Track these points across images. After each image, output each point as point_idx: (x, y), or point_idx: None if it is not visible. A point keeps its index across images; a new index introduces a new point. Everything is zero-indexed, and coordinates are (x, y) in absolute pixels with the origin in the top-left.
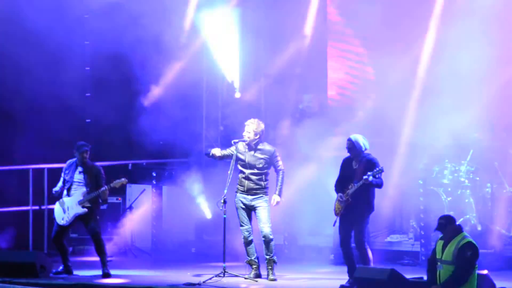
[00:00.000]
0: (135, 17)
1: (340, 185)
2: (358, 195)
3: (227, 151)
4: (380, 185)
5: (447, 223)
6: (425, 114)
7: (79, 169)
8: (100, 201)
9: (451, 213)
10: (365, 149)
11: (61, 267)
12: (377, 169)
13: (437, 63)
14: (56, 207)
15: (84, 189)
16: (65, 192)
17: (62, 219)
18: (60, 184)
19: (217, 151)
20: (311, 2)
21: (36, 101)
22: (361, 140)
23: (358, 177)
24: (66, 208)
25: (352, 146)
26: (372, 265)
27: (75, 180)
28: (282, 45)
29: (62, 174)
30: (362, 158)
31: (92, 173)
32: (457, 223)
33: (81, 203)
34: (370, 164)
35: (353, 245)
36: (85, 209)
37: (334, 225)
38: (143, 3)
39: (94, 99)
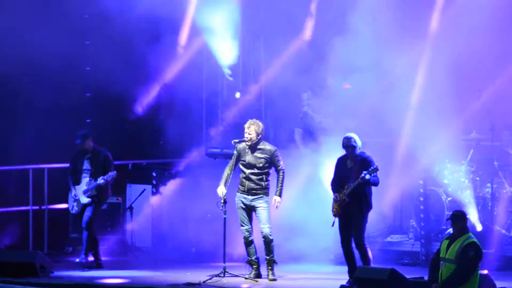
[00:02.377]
0: (136, 16)
1: (336, 185)
2: (355, 194)
3: (231, 162)
4: (376, 183)
5: (461, 217)
6: (425, 114)
7: (86, 156)
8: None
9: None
10: (359, 147)
11: (93, 262)
12: (373, 167)
13: (437, 62)
14: (69, 196)
15: (87, 178)
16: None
17: (72, 208)
18: (71, 178)
19: (225, 180)
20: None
21: (36, 101)
22: (357, 139)
23: (354, 176)
24: (75, 196)
25: (351, 144)
26: (372, 263)
27: (84, 168)
28: (283, 44)
29: (69, 165)
30: (357, 157)
31: (97, 160)
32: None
33: (85, 192)
34: (366, 163)
35: (353, 244)
36: (89, 199)
37: (332, 225)
38: (144, 2)
39: (94, 99)
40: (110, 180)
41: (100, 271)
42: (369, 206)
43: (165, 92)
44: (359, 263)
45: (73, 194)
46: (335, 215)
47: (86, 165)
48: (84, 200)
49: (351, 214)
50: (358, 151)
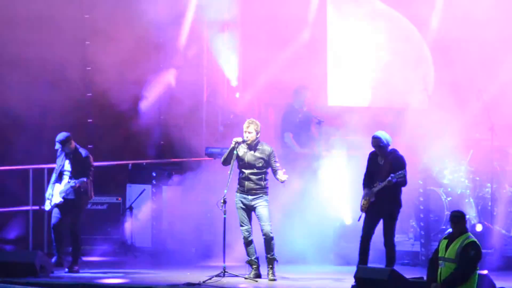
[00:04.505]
0: (136, 16)
1: (368, 181)
2: (385, 192)
3: (232, 162)
4: (404, 183)
5: (461, 217)
6: (425, 114)
7: (67, 157)
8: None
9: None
10: (389, 144)
11: (54, 258)
12: (400, 172)
13: (437, 62)
14: (48, 194)
15: (67, 179)
16: (53, 177)
17: (46, 205)
18: (53, 176)
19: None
20: (311, 0)
21: (36, 101)
22: (386, 137)
23: (383, 174)
24: (52, 194)
25: (379, 144)
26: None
27: (64, 168)
28: (283, 45)
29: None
30: (389, 155)
31: (77, 162)
32: None
33: (61, 193)
34: (398, 163)
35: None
36: (62, 200)
37: (359, 220)
38: (144, 2)
39: (95, 99)
40: (80, 184)
41: (90, 271)
42: (399, 204)
43: (165, 92)
44: (372, 261)
45: (49, 192)
46: (362, 210)
47: (67, 166)
48: (57, 200)
49: (380, 212)
50: (388, 148)
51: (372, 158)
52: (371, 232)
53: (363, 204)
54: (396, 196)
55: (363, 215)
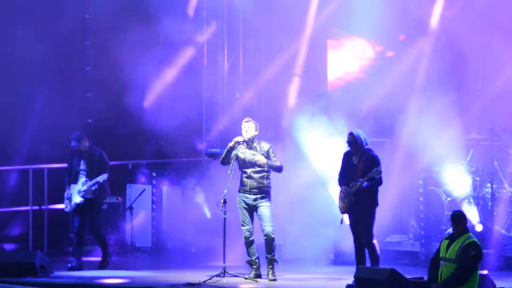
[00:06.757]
0: (136, 16)
1: (342, 181)
2: (361, 192)
3: (231, 162)
4: (376, 185)
5: (462, 217)
6: (425, 114)
7: (82, 156)
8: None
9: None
10: (366, 144)
11: (74, 262)
12: (375, 170)
13: (437, 61)
14: (64, 194)
15: (83, 178)
16: (67, 178)
17: (66, 206)
18: (67, 177)
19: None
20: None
21: (36, 100)
22: (362, 135)
23: (358, 173)
24: (70, 195)
25: (353, 141)
26: (379, 261)
27: (80, 168)
28: (282, 44)
29: (67, 164)
30: (362, 154)
31: (92, 161)
32: None
33: (79, 192)
34: (371, 162)
35: None
36: (82, 199)
37: (341, 223)
38: (144, 2)
39: (95, 99)
40: (102, 182)
41: (100, 271)
42: (375, 203)
43: (165, 92)
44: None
45: (66, 192)
46: (342, 212)
47: (83, 165)
48: (77, 199)
49: (358, 212)
50: (363, 147)
51: (346, 157)
52: (359, 232)
53: (342, 206)
54: (372, 195)
55: (345, 217)
